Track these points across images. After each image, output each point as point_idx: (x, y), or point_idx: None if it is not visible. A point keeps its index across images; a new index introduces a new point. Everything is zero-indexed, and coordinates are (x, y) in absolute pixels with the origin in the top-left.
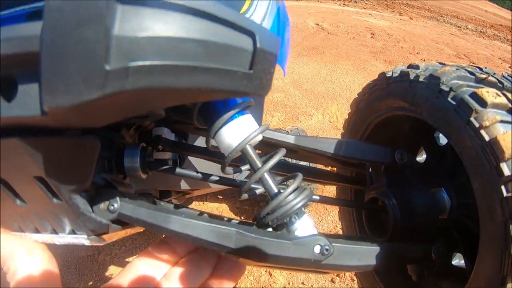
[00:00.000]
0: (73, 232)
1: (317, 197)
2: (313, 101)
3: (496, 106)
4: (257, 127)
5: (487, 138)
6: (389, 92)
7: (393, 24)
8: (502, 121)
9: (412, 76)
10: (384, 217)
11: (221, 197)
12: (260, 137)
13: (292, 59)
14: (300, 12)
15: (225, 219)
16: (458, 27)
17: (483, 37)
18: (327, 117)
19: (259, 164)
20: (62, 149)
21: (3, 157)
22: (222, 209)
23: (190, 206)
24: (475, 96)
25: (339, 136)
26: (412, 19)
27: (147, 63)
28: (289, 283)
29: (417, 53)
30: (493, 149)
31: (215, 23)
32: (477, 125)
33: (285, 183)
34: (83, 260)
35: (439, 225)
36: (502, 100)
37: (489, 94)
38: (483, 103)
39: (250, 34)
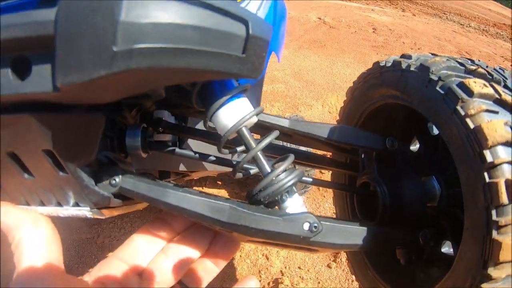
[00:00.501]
0: (76, 204)
1: (310, 179)
2: (313, 92)
3: (483, 96)
4: (252, 110)
5: (472, 126)
6: (383, 81)
7: (395, 20)
8: (487, 111)
9: (404, 66)
10: (374, 202)
11: (220, 182)
12: (255, 119)
13: (294, 52)
14: (303, 6)
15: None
16: (461, 24)
17: (485, 35)
18: (327, 108)
19: (253, 144)
20: (70, 124)
21: (14, 131)
22: (221, 194)
23: None
24: (462, 86)
25: None
26: (414, 15)
27: (149, 45)
28: (285, 267)
29: (418, 49)
30: (477, 137)
31: (211, 11)
32: (463, 113)
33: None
34: (82, 242)
35: (429, 213)
36: (489, 90)
37: (476, 84)
38: (469, 92)
39: (243, 21)
